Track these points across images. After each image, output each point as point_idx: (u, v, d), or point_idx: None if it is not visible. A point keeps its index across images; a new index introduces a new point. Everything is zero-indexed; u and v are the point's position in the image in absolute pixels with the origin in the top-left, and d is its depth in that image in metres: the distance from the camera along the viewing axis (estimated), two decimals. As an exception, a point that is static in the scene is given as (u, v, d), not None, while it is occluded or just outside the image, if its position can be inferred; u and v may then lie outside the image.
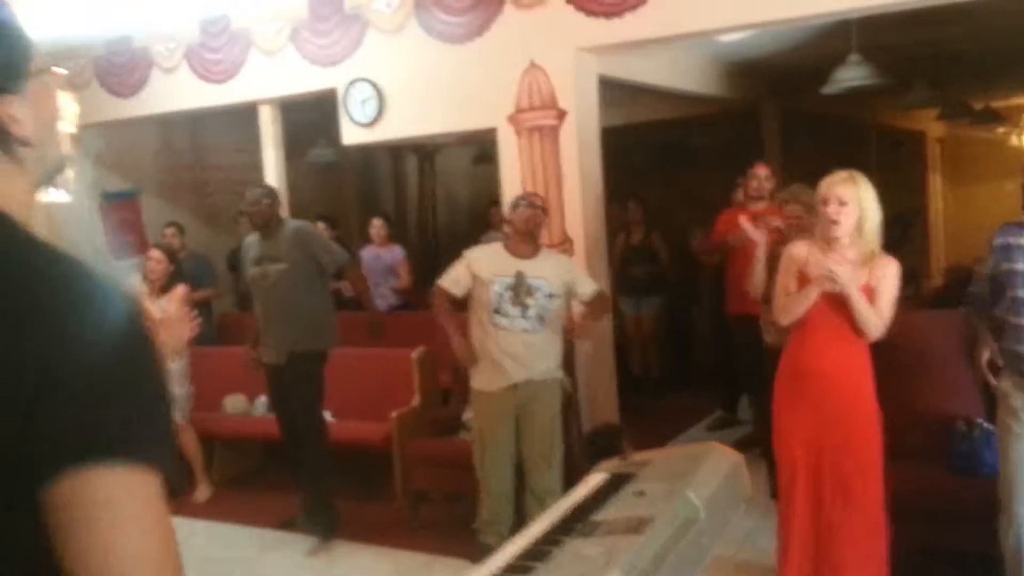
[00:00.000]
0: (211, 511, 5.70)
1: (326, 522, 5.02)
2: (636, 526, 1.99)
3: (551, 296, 4.31)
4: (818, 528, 3.54)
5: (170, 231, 7.33)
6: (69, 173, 4.17)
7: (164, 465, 0.95)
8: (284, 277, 4.97)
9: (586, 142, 5.67)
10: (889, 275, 3.44)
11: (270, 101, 7.02)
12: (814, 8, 5.01)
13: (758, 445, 5.03)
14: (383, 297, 7.31)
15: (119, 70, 7.38)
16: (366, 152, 10.55)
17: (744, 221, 4.64)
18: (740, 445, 6.04)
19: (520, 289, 4.26)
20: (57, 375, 0.90)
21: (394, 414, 5.47)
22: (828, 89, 6.35)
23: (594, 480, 2.57)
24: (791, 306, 3.52)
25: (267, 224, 5.05)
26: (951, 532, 3.79)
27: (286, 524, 5.18)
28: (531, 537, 2.18)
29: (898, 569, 3.60)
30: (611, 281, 6.13)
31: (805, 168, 8.68)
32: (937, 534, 3.86)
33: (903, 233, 11.28)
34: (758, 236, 4.47)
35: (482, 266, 4.37)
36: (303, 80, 6.60)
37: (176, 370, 5.83)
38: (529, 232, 4.36)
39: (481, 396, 4.42)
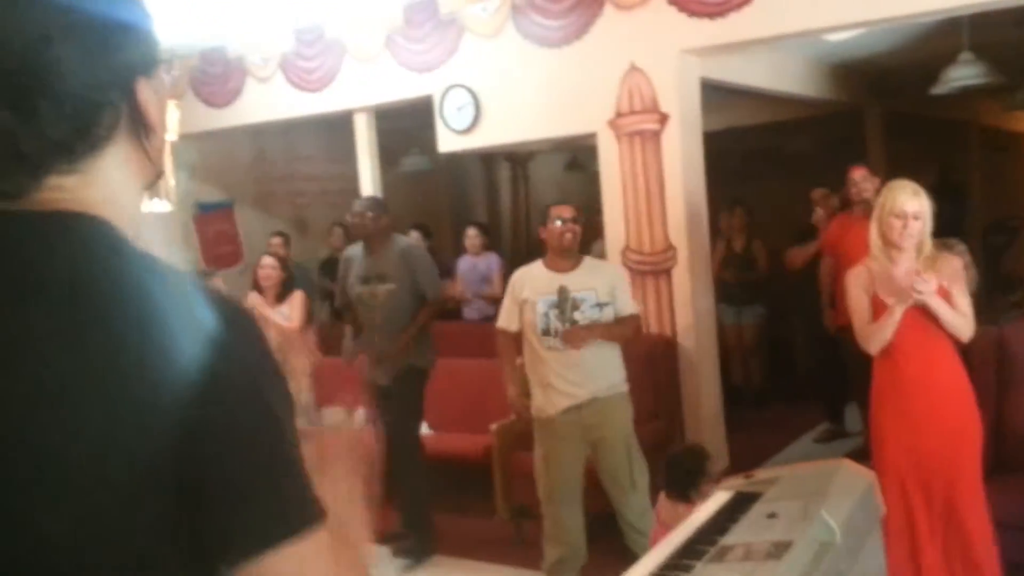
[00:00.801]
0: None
1: (423, 540, 4.95)
2: (774, 551, 1.86)
3: (600, 305, 4.05)
4: (919, 548, 3.37)
5: (276, 241, 7.39)
6: (170, 182, 4.19)
7: (322, 512, 0.92)
8: (392, 297, 4.86)
9: (689, 147, 5.52)
10: (956, 270, 3.41)
11: (365, 109, 7.02)
12: (926, 5, 4.79)
13: (871, 458, 4.81)
14: (479, 308, 7.26)
15: (213, 80, 7.47)
16: (458, 160, 10.54)
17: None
18: (852, 458, 5.84)
19: (565, 305, 4.04)
20: (215, 441, 0.85)
21: (494, 426, 5.38)
22: (938, 89, 6.08)
23: (718, 499, 2.44)
24: (878, 333, 3.42)
25: (370, 237, 4.93)
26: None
27: (386, 539, 5.12)
28: (656, 561, 2.06)
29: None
30: (715, 291, 5.94)
31: (907, 171, 8.40)
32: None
33: (1007, 239, 10.82)
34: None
35: (524, 288, 4.16)
36: (398, 87, 6.59)
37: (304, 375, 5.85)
38: (566, 248, 4.12)
39: (542, 422, 4.14)
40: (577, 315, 4.03)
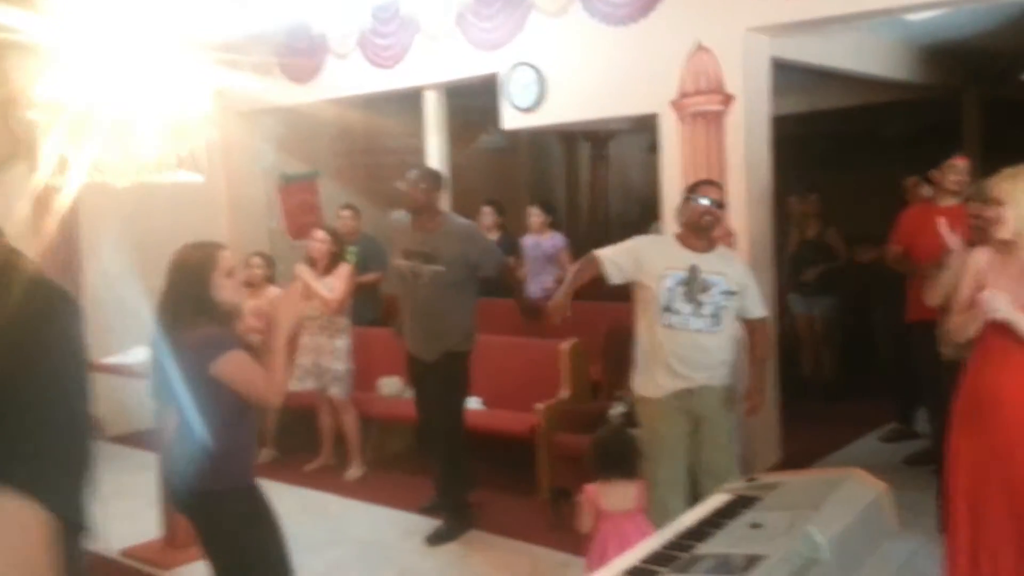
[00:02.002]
0: (361, 491, 5.76)
1: (458, 518, 4.95)
2: (742, 565, 1.76)
3: (729, 293, 3.88)
4: (986, 568, 3.15)
5: (347, 213, 7.48)
6: (201, 154, 4.23)
7: (63, 509, 1.06)
8: (439, 279, 4.74)
9: (754, 129, 5.33)
10: None
11: (434, 86, 7.03)
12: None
13: (934, 461, 4.58)
14: (542, 285, 7.19)
15: (298, 56, 7.58)
16: (538, 138, 10.49)
17: (943, 225, 4.16)
18: (913, 460, 5.61)
19: (694, 284, 3.84)
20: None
21: (540, 406, 5.36)
22: (1034, 73, 5.71)
23: (714, 502, 2.34)
24: (963, 326, 3.22)
25: (419, 210, 4.83)
26: None
27: (427, 510, 5.15)
28: (629, 563, 1.98)
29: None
30: (776, 279, 5.73)
31: (1008, 164, 7.96)
32: None
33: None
34: (954, 242, 4.01)
35: (652, 258, 3.94)
36: (466, 65, 6.56)
37: (339, 347, 5.94)
38: (703, 228, 3.95)
39: (646, 403, 3.98)
40: (704, 297, 3.87)
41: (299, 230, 8.58)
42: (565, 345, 5.64)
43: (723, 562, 1.82)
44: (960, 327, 3.24)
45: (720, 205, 4.01)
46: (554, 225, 7.56)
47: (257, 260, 6.23)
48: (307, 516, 5.36)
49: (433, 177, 5.02)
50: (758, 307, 4.06)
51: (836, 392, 7.21)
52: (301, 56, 7.55)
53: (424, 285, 4.79)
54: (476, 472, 5.16)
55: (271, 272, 6.31)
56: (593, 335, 5.70)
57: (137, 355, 4.87)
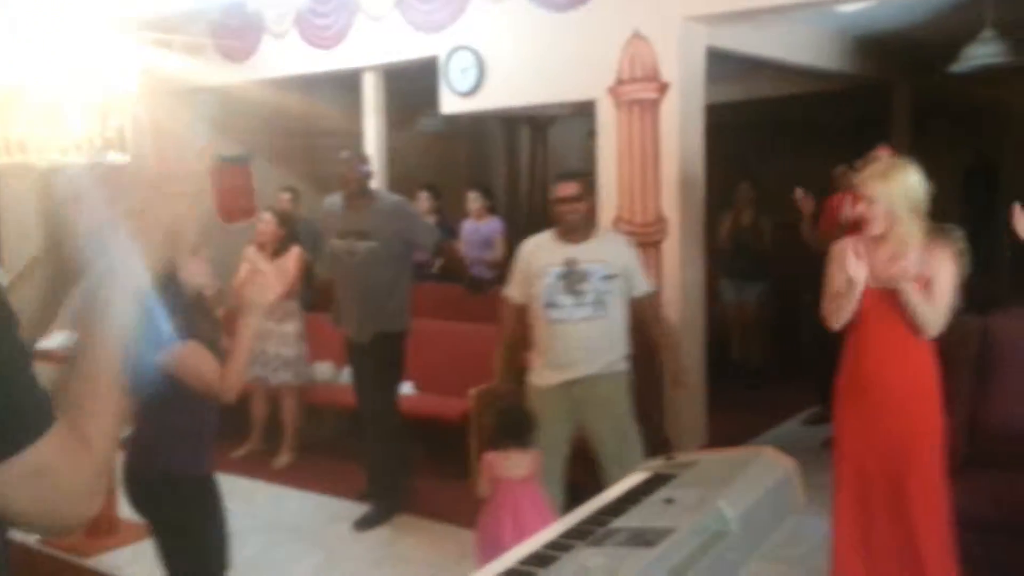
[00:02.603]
0: (289, 477, 5.74)
1: (388, 502, 4.97)
2: (651, 538, 1.81)
3: (609, 278, 3.95)
4: (876, 538, 3.32)
5: (286, 196, 7.41)
6: (128, 134, 4.18)
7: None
8: (372, 255, 4.78)
9: (688, 117, 5.41)
10: (945, 264, 3.24)
11: (373, 68, 7.00)
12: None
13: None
14: (479, 270, 7.22)
15: (232, 35, 7.47)
16: (478, 123, 10.48)
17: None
18: (831, 443, 5.75)
19: (572, 276, 3.94)
20: None
21: (473, 391, 5.38)
22: (958, 67, 5.88)
23: (632, 480, 2.40)
24: (840, 308, 3.34)
25: (352, 191, 4.86)
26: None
27: (359, 496, 5.16)
28: (547, 538, 2.03)
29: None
30: (707, 264, 5.82)
31: (936, 153, 8.17)
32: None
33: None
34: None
35: (533, 260, 4.06)
36: (406, 47, 6.54)
37: (288, 332, 5.89)
38: (570, 225, 4.01)
39: (534, 391, 4.11)
40: (584, 286, 3.94)
41: (231, 213, 8.48)
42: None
43: (634, 535, 1.87)
44: (835, 312, 3.35)
45: (579, 199, 4.01)
46: (492, 210, 7.58)
47: (267, 217, 6.08)
48: (234, 503, 5.24)
49: (363, 159, 5.10)
50: (643, 284, 4.10)
51: (764, 376, 7.36)
52: (235, 35, 7.45)
53: (359, 263, 4.81)
54: (412, 456, 5.17)
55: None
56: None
57: (59, 340, 4.78)
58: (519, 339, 4.20)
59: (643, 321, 4.14)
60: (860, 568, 3.36)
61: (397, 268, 4.88)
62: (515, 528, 3.50)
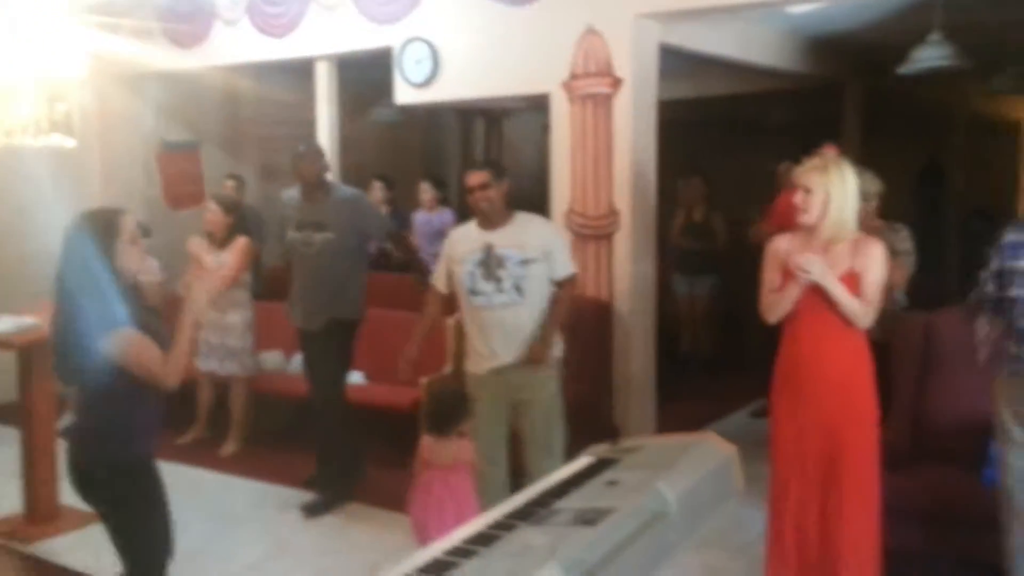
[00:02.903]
0: (236, 466, 5.70)
1: (337, 490, 4.99)
2: (592, 518, 1.84)
3: (525, 262, 4.00)
4: (805, 531, 3.40)
5: (230, 183, 7.34)
6: (75, 119, 4.13)
7: None
8: (329, 246, 4.85)
9: (641, 113, 5.45)
10: (875, 259, 3.32)
11: (327, 57, 6.96)
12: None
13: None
14: (432, 261, 7.21)
15: (182, 20, 7.38)
16: (433, 114, 10.47)
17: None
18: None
19: (490, 263, 4.00)
20: None
21: (424, 380, 5.39)
22: (905, 69, 5.99)
23: (576, 464, 2.43)
24: (776, 305, 3.42)
25: (309, 183, 4.92)
26: (978, 543, 3.53)
27: (308, 484, 5.14)
28: (490, 519, 2.05)
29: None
30: (658, 258, 5.88)
31: (886, 152, 8.32)
32: (965, 545, 3.62)
33: (988, 228, 10.77)
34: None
35: (454, 248, 4.16)
36: (360, 37, 6.51)
37: (233, 323, 5.84)
38: (484, 213, 4.08)
39: (470, 378, 4.18)
40: (502, 272, 4.00)
41: (178, 200, 8.39)
42: (450, 320, 5.67)
43: (576, 515, 1.90)
44: (771, 306, 3.44)
45: (487, 187, 4.05)
46: (445, 201, 7.59)
47: (213, 206, 6.01)
48: (180, 491, 5.19)
49: (320, 152, 5.15)
50: (563, 267, 4.13)
51: (713, 369, 7.46)
52: (186, 21, 7.36)
53: (316, 254, 4.87)
54: (363, 445, 5.16)
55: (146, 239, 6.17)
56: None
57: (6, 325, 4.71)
58: (435, 326, 4.35)
59: (555, 297, 4.13)
60: (792, 552, 3.43)
61: (353, 259, 4.95)
62: (437, 516, 3.58)
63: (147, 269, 5.82)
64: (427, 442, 3.71)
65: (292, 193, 5.08)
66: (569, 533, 1.79)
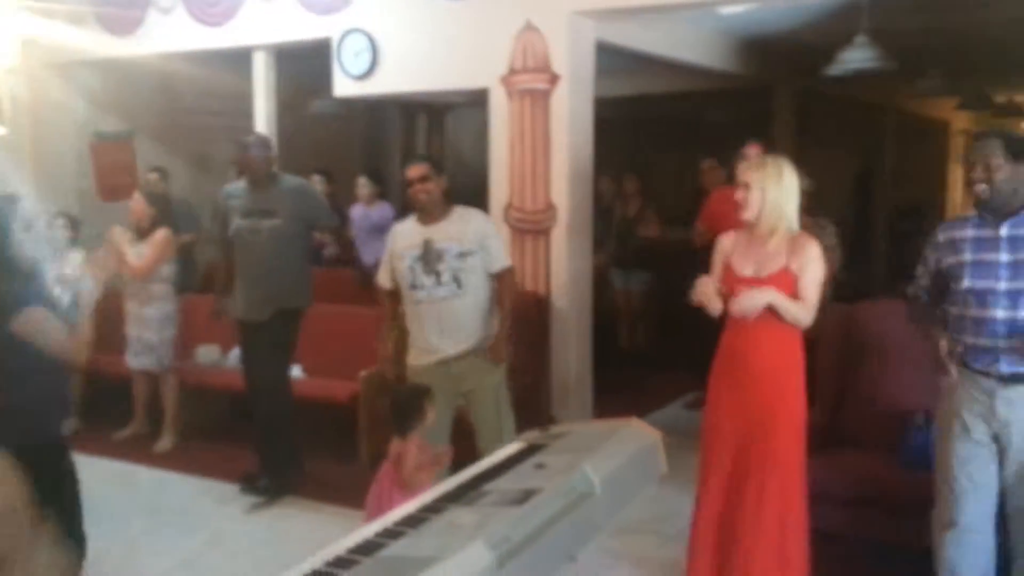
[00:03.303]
0: (172, 461, 5.65)
1: (278, 482, 4.97)
2: (519, 498, 1.91)
3: (463, 255, 4.07)
4: (729, 516, 3.48)
5: (153, 176, 7.27)
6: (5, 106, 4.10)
7: None
8: (276, 233, 4.85)
9: (578, 109, 5.54)
10: (812, 257, 3.39)
11: (264, 47, 6.92)
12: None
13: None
14: (370, 255, 7.21)
15: (117, 7, 7.27)
16: (375, 108, 10.43)
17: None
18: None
19: (429, 256, 4.06)
20: None
21: (363, 373, 5.41)
22: (833, 71, 6.15)
23: (509, 449, 2.49)
24: (708, 307, 3.49)
25: (255, 174, 4.92)
26: (897, 526, 3.68)
27: (246, 479, 5.12)
28: (421, 502, 2.10)
29: (842, 560, 3.54)
30: (596, 253, 5.98)
31: (818, 151, 8.52)
32: (884, 528, 3.77)
33: (916, 224, 11.08)
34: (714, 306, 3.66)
35: (396, 242, 4.21)
36: (298, 27, 6.49)
37: (150, 316, 5.78)
38: (420, 208, 4.14)
39: (413, 372, 4.21)
40: (441, 266, 4.05)
41: (111, 191, 8.23)
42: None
43: (504, 496, 1.96)
44: (711, 309, 3.49)
45: (426, 180, 4.10)
46: (384, 196, 7.58)
47: (137, 197, 5.98)
48: (114, 486, 5.24)
49: (265, 143, 5.16)
50: (498, 260, 4.19)
51: (650, 362, 7.57)
52: (120, 7, 7.25)
53: (263, 241, 4.88)
54: (301, 439, 5.16)
55: (75, 234, 6.14)
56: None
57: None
58: (399, 321, 4.30)
59: (498, 295, 4.22)
60: (711, 538, 3.51)
61: (299, 247, 4.97)
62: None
63: (69, 261, 5.80)
64: (394, 440, 3.66)
65: (237, 185, 5.09)
66: (496, 512, 1.85)
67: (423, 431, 3.63)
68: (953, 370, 3.19)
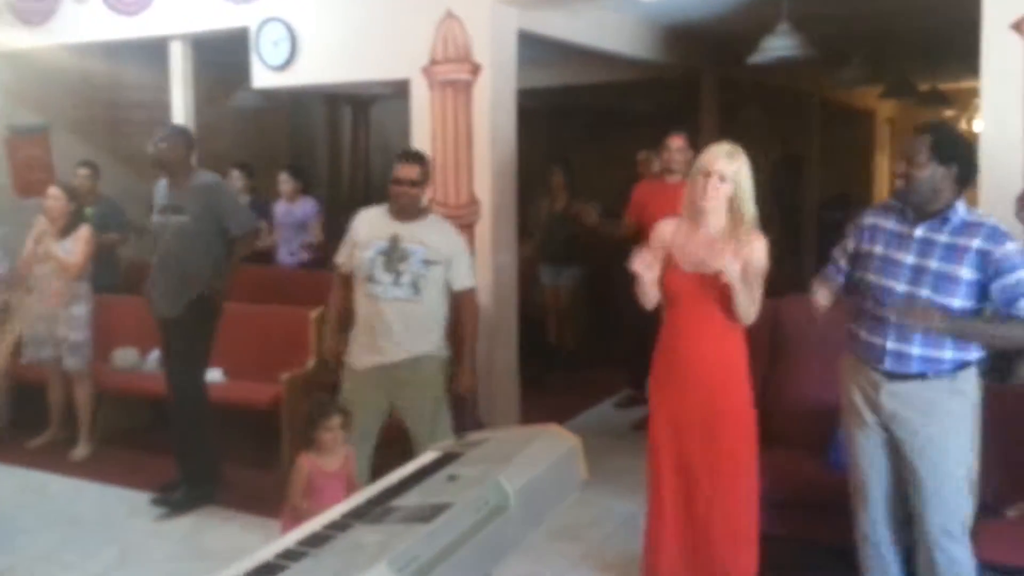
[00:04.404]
0: (88, 470, 5.44)
1: (195, 491, 4.82)
2: (427, 514, 1.82)
3: (427, 263, 3.96)
4: (687, 514, 3.43)
5: (83, 172, 6.98)
6: None
7: None
8: (183, 230, 4.73)
9: (500, 100, 5.45)
10: (759, 253, 3.33)
11: (181, 37, 6.69)
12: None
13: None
14: (293, 253, 7.07)
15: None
16: (299, 100, 10.23)
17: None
18: (641, 425, 5.92)
19: (393, 254, 3.95)
20: None
21: (285, 376, 5.27)
22: (755, 58, 6.15)
23: (421, 459, 2.41)
24: (643, 296, 3.40)
25: (169, 169, 4.79)
26: (827, 526, 3.65)
27: (164, 488, 4.94)
28: (327, 519, 2.01)
29: (773, 561, 3.51)
30: (522, 248, 5.90)
31: (743, 140, 8.55)
32: (814, 528, 3.73)
33: (842, 215, 11.22)
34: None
35: (361, 230, 4.09)
36: (215, 16, 6.29)
37: (76, 315, 5.58)
38: (399, 209, 4.04)
39: (350, 373, 4.09)
40: (403, 266, 3.94)
41: (27, 187, 7.93)
42: (313, 313, 5.56)
43: (412, 512, 1.88)
44: (643, 296, 3.41)
45: (416, 185, 4.03)
46: (307, 190, 7.41)
47: (55, 191, 5.68)
48: (25, 497, 5.07)
49: (183, 135, 5.00)
50: (463, 278, 4.09)
51: (579, 360, 7.50)
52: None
53: (171, 236, 4.76)
54: (218, 445, 5.00)
55: None
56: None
57: None
58: (348, 309, 4.16)
59: (457, 316, 4.15)
60: (670, 545, 3.44)
61: (206, 243, 4.76)
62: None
63: None
64: (304, 461, 3.60)
65: (163, 183, 4.93)
66: (402, 531, 1.77)
67: (321, 447, 3.57)
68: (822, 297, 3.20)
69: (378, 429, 4.10)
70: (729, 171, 3.28)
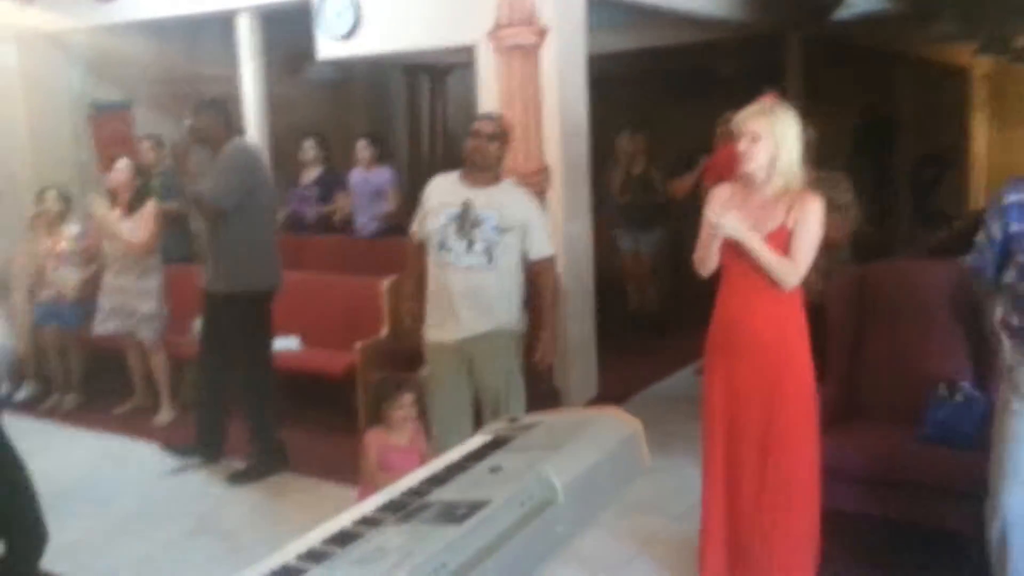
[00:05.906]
0: (171, 435, 5.49)
1: (264, 459, 4.83)
2: (460, 513, 1.68)
3: (500, 230, 3.80)
4: (738, 496, 3.27)
5: (146, 144, 7.06)
6: None
7: None
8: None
9: (569, 64, 5.26)
10: (809, 215, 3.11)
11: (247, 10, 6.66)
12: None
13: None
14: (369, 222, 7.00)
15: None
16: (377, 71, 10.18)
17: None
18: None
19: (466, 220, 3.79)
20: None
21: (359, 345, 5.25)
22: (842, 14, 5.87)
23: (471, 443, 2.27)
24: (703, 259, 3.25)
25: (208, 142, 4.72)
26: (915, 506, 3.43)
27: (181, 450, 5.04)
28: (363, 511, 1.89)
29: (856, 542, 3.34)
30: (600, 215, 5.73)
31: (829, 103, 8.18)
32: (902, 507, 3.51)
33: (936, 175, 10.70)
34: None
35: (433, 197, 3.95)
36: (280, -14, 6.24)
37: (148, 288, 5.65)
38: (474, 164, 3.88)
39: (430, 348, 3.99)
40: (476, 233, 3.80)
41: (112, 163, 8.08)
42: (385, 283, 5.51)
43: (444, 510, 1.74)
44: (700, 260, 3.27)
45: (492, 138, 3.88)
46: (383, 159, 7.33)
47: (121, 163, 5.81)
48: (110, 461, 5.20)
49: (215, 106, 4.85)
50: (540, 246, 3.92)
51: (661, 326, 7.32)
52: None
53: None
54: (279, 412, 5.00)
55: (66, 208, 5.99)
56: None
57: None
58: (424, 275, 4.04)
59: (535, 286, 4.00)
60: (724, 520, 3.32)
61: (243, 219, 4.65)
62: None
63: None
64: (368, 430, 3.58)
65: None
66: (431, 532, 1.63)
67: (392, 424, 3.57)
68: (1005, 339, 2.90)
69: (471, 401, 3.98)
70: (763, 129, 3.09)
